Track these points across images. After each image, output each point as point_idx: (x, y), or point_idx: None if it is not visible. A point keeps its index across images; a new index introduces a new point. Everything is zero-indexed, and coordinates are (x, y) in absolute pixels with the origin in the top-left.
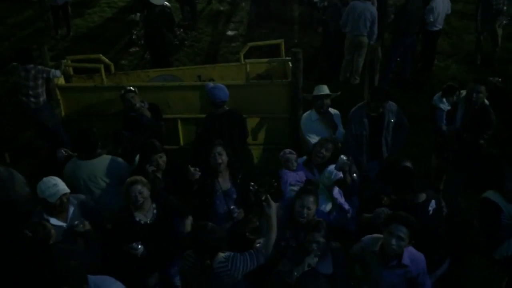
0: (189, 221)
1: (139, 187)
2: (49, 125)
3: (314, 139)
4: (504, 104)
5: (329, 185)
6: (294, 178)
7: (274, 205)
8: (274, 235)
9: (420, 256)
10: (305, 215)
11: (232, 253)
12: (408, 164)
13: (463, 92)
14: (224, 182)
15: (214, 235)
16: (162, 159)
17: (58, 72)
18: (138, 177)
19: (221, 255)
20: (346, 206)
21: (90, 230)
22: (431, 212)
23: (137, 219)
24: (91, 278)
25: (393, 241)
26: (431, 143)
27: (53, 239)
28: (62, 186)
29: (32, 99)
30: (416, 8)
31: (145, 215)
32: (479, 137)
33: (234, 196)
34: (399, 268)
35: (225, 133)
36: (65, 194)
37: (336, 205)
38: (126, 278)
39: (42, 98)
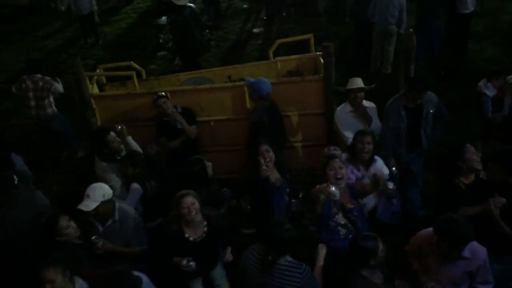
0: (228, 250)
1: (190, 199)
2: (59, 132)
3: (348, 133)
4: None
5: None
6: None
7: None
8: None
9: (482, 249)
10: (340, 175)
11: (305, 265)
12: None
13: (511, 78)
14: (275, 178)
15: (289, 233)
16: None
17: (60, 87)
18: (189, 190)
19: (290, 257)
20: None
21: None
22: None
23: (187, 235)
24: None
25: None
26: (471, 131)
27: (67, 236)
28: (91, 203)
29: (41, 110)
30: None
31: (195, 232)
32: None
33: (288, 190)
34: (459, 261)
35: (273, 125)
36: (96, 207)
37: (383, 200)
38: (170, 281)
39: (51, 108)
